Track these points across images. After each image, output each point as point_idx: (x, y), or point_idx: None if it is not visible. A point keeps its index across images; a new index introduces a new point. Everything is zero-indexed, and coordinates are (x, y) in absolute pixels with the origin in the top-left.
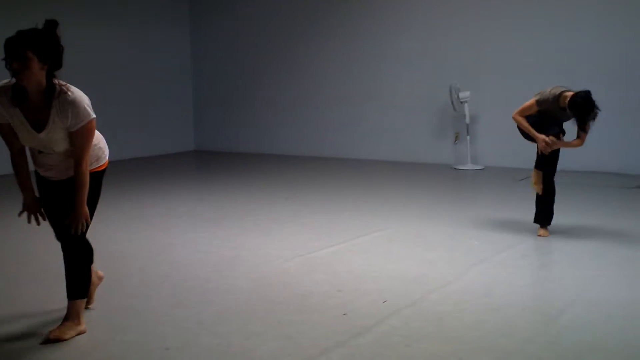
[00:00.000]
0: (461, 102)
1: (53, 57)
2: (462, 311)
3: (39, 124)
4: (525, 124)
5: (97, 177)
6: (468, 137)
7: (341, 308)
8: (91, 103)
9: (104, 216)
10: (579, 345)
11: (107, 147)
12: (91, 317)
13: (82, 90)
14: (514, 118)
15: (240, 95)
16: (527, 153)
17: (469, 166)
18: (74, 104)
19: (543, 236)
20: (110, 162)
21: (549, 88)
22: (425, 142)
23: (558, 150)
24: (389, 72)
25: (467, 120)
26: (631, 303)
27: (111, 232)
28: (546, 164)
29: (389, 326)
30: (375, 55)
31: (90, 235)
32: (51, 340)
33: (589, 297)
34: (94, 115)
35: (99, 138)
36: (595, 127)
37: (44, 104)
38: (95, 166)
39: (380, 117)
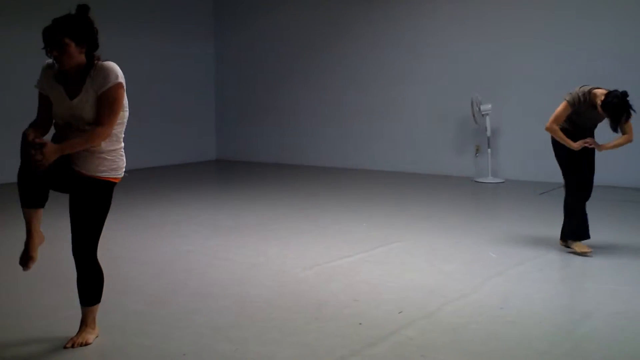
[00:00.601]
0: (482, 115)
1: (89, 39)
2: (478, 323)
3: (74, 94)
4: (560, 135)
5: (110, 188)
6: (489, 150)
7: (357, 317)
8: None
9: (123, 223)
10: (594, 358)
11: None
12: (109, 322)
13: None
14: (548, 129)
15: (262, 106)
16: (548, 167)
17: (490, 179)
18: (105, 68)
19: (587, 252)
20: (132, 170)
21: (576, 88)
22: (446, 155)
23: (593, 162)
24: (410, 84)
25: (488, 133)
26: None
27: (130, 239)
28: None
29: (404, 336)
30: (397, 68)
31: (109, 242)
32: (75, 347)
33: (606, 311)
34: (122, 81)
35: (122, 146)
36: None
37: (82, 78)
38: (112, 175)
39: (402, 129)
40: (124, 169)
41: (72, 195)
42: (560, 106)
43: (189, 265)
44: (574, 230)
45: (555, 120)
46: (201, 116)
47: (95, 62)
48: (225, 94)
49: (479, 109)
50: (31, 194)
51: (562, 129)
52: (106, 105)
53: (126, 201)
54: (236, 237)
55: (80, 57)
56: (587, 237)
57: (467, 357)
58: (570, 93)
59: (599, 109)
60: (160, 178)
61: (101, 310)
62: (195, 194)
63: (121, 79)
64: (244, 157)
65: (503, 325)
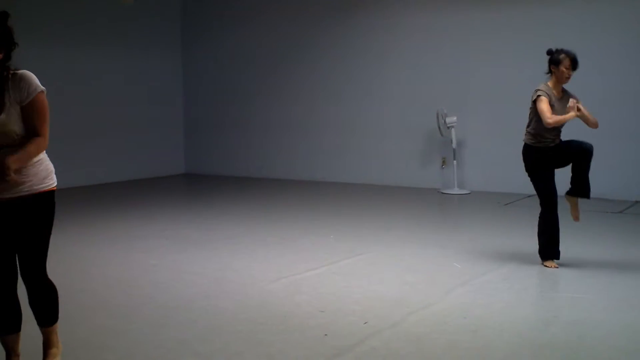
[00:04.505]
0: (448, 128)
1: (7, 50)
2: (441, 332)
3: None
4: (561, 117)
5: (50, 198)
6: (455, 162)
7: (322, 329)
8: (82, 126)
9: (89, 238)
10: None
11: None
12: (74, 338)
13: (74, 113)
14: (551, 123)
15: (231, 119)
16: (513, 178)
17: (456, 190)
18: (24, 77)
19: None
20: (99, 184)
21: (534, 92)
22: (413, 167)
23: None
24: (378, 98)
25: (454, 145)
26: (603, 324)
27: (96, 254)
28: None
29: (368, 347)
30: (365, 82)
31: (74, 257)
32: None
33: (565, 319)
34: (44, 88)
35: (46, 157)
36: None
37: None
38: (48, 184)
39: (370, 143)
40: (55, 178)
41: (12, 220)
42: (540, 103)
43: (155, 280)
44: (541, 249)
45: (549, 113)
46: (169, 130)
47: (10, 73)
48: (194, 107)
49: (445, 121)
50: (7, 317)
51: (537, 145)
52: (38, 114)
53: (93, 216)
54: (203, 250)
55: None
56: (556, 257)
57: None
58: (537, 91)
59: (562, 66)
60: (128, 192)
61: (66, 325)
62: (163, 208)
63: (42, 87)
64: (213, 171)
65: (465, 335)
